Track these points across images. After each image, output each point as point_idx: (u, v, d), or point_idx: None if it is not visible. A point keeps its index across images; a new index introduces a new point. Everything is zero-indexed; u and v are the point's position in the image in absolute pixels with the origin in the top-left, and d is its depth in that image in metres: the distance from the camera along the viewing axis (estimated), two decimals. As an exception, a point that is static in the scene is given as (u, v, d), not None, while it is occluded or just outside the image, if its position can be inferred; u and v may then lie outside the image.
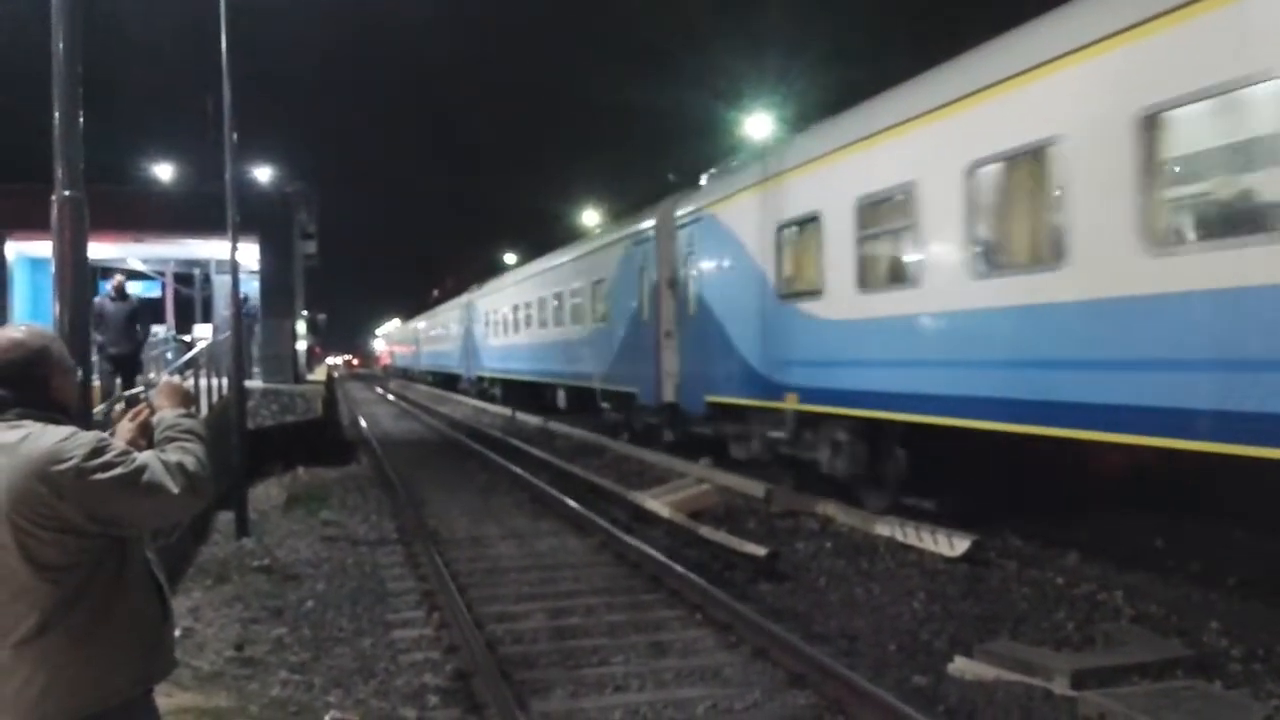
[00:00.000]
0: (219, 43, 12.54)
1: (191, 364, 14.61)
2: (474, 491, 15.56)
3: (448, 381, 49.29)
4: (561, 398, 26.22)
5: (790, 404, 12.18)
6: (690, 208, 15.86)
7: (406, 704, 6.25)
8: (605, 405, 21.30)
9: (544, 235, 47.19)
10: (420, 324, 65.81)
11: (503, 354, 33.39)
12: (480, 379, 38.65)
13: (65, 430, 2.58)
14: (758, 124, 26.34)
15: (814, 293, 11.73)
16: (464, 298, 43.14)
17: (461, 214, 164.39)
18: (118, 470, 2.51)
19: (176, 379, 3.23)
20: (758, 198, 13.25)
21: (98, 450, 2.52)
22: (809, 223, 11.87)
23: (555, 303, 25.68)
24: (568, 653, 7.15)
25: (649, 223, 17.88)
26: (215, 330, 22.62)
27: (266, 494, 15.24)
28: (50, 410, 2.68)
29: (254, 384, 21.66)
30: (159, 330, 26.00)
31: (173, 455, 2.66)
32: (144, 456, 2.62)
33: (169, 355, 20.10)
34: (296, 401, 21.70)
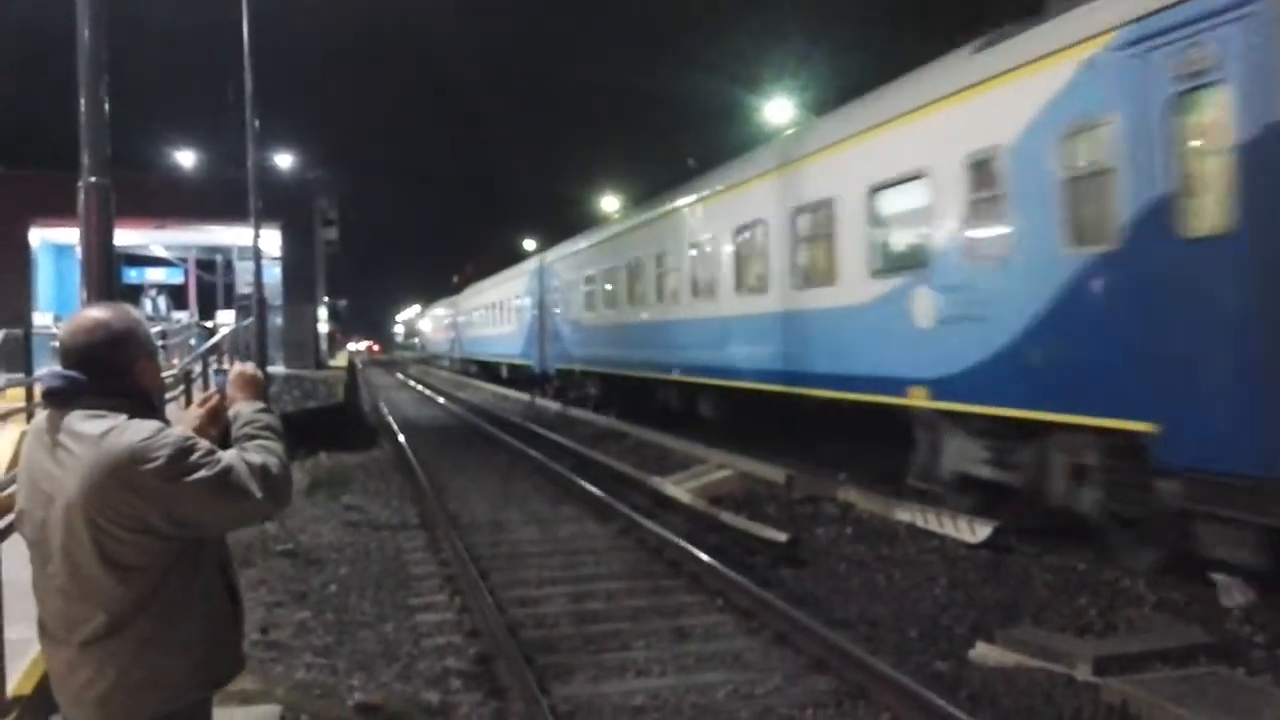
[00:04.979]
0: (242, 31, 12.60)
1: (214, 350, 14.72)
2: (495, 476, 15.62)
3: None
4: None
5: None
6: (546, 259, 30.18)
7: (429, 687, 6.30)
8: None
9: (564, 221, 46.98)
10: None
11: None
12: None
13: (151, 426, 2.43)
14: (778, 109, 26.15)
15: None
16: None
17: (481, 201, 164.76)
18: (203, 473, 2.40)
19: (251, 366, 2.94)
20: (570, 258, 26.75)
21: (185, 450, 2.40)
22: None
23: None
24: (589, 637, 7.19)
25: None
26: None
27: (289, 479, 15.31)
28: (133, 398, 2.53)
29: (276, 370, 21.80)
30: (181, 316, 26.21)
31: (256, 456, 2.53)
32: (228, 458, 2.49)
33: (192, 342, 20.24)
34: (318, 387, 21.84)
